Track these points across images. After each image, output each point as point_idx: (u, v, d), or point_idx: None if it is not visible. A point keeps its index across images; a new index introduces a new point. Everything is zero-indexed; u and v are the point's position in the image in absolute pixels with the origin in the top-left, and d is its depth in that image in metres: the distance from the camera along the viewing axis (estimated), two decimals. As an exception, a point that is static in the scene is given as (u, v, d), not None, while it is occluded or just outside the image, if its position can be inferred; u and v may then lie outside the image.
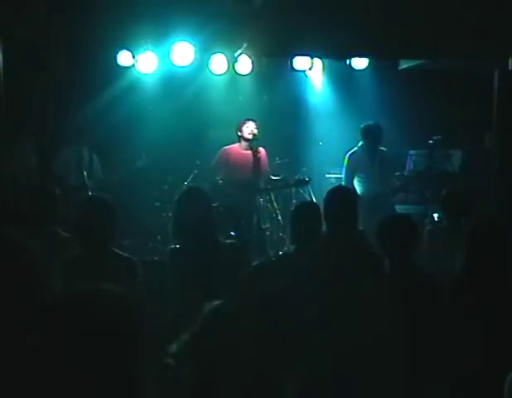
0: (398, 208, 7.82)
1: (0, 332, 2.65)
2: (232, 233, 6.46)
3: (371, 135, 7.45)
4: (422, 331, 3.55)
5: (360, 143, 7.55)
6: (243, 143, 7.51)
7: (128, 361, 1.66)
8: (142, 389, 1.71)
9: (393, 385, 3.46)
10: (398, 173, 7.88)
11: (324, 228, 4.50)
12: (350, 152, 7.58)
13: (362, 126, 7.55)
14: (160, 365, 3.55)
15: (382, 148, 7.59)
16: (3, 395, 2.40)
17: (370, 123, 7.53)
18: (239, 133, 7.48)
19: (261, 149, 7.49)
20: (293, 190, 8.38)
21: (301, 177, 7.74)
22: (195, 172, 8.54)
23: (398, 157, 8.42)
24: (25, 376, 2.24)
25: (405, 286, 3.75)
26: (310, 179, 7.66)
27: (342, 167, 7.68)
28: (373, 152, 7.51)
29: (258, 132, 7.50)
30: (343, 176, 7.60)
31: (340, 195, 4.53)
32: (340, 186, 6.67)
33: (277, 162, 8.37)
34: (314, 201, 6.93)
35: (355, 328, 3.67)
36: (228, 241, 4.31)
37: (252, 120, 7.50)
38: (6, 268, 3.22)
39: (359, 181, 7.50)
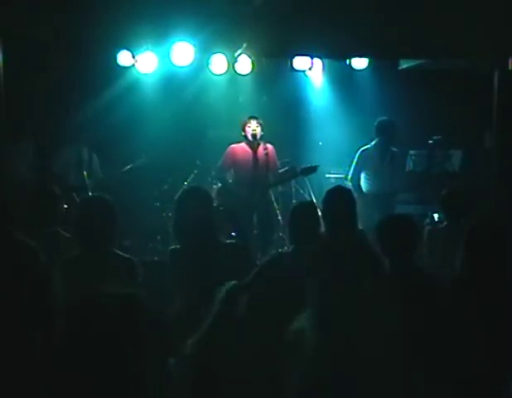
0: (398, 208, 7.83)
1: (5, 330, 2.65)
2: (233, 233, 6.43)
3: (384, 131, 7.45)
4: (422, 331, 3.55)
5: (374, 142, 7.54)
6: (247, 142, 7.49)
7: (132, 360, 1.66)
8: (146, 389, 1.71)
9: (393, 385, 3.46)
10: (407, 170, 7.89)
11: (323, 228, 4.50)
12: (362, 149, 7.58)
13: (376, 121, 7.55)
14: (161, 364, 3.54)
15: (393, 149, 7.58)
16: (5, 393, 2.40)
17: (384, 118, 7.52)
18: (243, 133, 7.45)
19: (269, 145, 7.44)
20: (293, 190, 8.37)
21: (309, 165, 7.68)
22: (195, 172, 8.55)
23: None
24: (28, 374, 2.24)
25: (405, 286, 3.75)
26: (318, 165, 7.59)
27: (343, 166, 7.69)
28: (384, 150, 7.51)
29: (264, 127, 7.45)
30: (351, 170, 7.60)
31: (339, 195, 4.53)
32: (339, 186, 6.65)
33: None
34: (314, 200, 6.92)
35: (355, 328, 3.67)
36: (228, 241, 4.30)
37: (254, 118, 7.46)
38: (10, 267, 3.21)
39: (366, 178, 7.50)
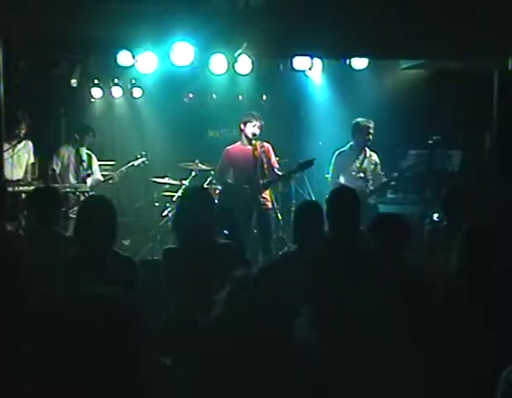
0: (397, 208, 7.86)
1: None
2: (225, 232, 6.43)
3: (360, 132, 7.53)
4: (418, 330, 3.56)
5: (350, 144, 7.63)
6: (245, 140, 7.42)
7: (124, 361, 1.66)
8: (139, 390, 1.71)
9: (392, 383, 3.47)
10: (382, 173, 7.89)
11: (326, 228, 4.51)
12: (338, 151, 7.65)
13: (353, 123, 7.67)
14: (157, 365, 3.55)
15: (370, 149, 7.63)
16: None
17: (361, 119, 7.59)
18: (242, 126, 7.38)
19: (265, 144, 7.42)
20: (293, 189, 8.37)
21: (305, 160, 7.65)
22: (195, 172, 8.55)
23: (391, 158, 8.47)
24: (20, 375, 2.23)
25: (403, 286, 3.77)
26: (314, 159, 7.51)
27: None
28: (360, 151, 7.59)
29: (263, 127, 7.40)
30: (330, 173, 7.66)
31: (344, 195, 4.54)
32: (343, 186, 6.69)
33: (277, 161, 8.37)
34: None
35: (355, 328, 3.68)
36: (223, 241, 4.31)
37: (256, 118, 7.38)
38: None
39: (344, 180, 7.55)
